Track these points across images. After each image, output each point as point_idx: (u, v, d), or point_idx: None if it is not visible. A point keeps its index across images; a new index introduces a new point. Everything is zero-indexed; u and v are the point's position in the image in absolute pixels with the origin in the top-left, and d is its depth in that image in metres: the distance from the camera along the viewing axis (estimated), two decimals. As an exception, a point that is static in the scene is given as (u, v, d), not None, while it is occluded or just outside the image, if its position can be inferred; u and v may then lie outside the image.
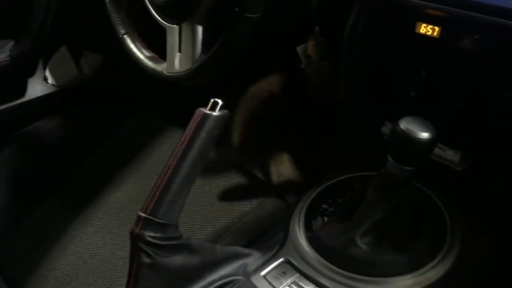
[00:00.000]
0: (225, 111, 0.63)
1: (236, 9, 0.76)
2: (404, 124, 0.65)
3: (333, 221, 0.75)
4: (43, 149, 1.17)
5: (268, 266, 0.70)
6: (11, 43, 1.15)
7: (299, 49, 0.97)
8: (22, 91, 1.21)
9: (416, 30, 0.76)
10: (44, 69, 1.30)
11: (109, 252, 0.95)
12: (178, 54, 0.89)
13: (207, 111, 0.62)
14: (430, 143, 0.65)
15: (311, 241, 0.72)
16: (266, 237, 0.79)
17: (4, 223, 1.03)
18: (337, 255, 0.69)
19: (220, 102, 0.63)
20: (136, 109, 1.26)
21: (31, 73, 1.20)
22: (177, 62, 0.89)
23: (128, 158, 1.12)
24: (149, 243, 0.59)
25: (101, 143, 1.18)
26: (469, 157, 0.78)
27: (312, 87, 1.01)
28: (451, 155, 0.79)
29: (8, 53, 1.13)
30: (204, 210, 0.96)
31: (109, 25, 1.18)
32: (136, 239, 0.59)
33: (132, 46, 0.98)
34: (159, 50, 0.98)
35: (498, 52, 0.69)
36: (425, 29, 0.76)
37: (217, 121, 0.62)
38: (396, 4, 0.76)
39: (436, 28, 0.75)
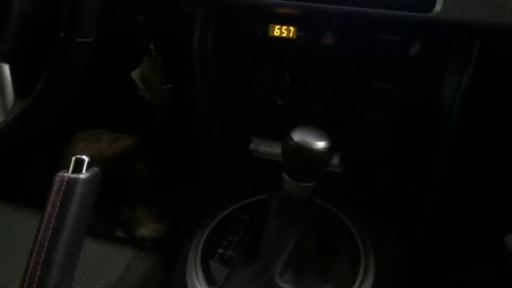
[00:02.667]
0: (96, 169, 0.46)
1: (62, 34, 0.58)
2: (298, 136, 0.57)
3: (238, 266, 0.63)
4: None
5: None
6: None
7: (134, 74, 0.82)
8: None
9: (270, 34, 0.70)
10: None
11: None
12: (-20, 105, 0.66)
13: (71, 174, 0.45)
14: (329, 152, 0.58)
15: (224, 298, 0.60)
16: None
17: None
18: (260, 306, 0.58)
19: (86, 158, 0.46)
20: None
21: None
22: (-21, 117, 0.66)
23: None
24: None
25: None
26: (348, 157, 0.75)
27: (157, 114, 0.87)
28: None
29: None
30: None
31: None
32: None
33: None
34: None
35: (360, 43, 0.67)
36: (279, 31, 0.70)
37: (89, 185, 0.45)
38: (243, 7, 0.68)
39: (292, 28, 0.70)
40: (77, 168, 0.46)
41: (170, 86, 0.83)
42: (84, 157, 0.46)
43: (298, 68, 0.72)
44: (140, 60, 0.82)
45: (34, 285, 0.41)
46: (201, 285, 0.62)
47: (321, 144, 0.57)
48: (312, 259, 0.62)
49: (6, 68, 0.65)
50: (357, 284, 0.61)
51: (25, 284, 0.41)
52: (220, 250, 0.66)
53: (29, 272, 0.41)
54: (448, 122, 0.67)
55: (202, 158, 0.79)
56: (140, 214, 0.87)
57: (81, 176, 0.45)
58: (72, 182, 0.44)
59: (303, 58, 0.71)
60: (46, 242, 0.42)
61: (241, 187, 0.77)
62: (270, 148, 0.78)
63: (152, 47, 0.80)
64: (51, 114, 0.66)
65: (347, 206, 0.71)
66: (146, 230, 0.87)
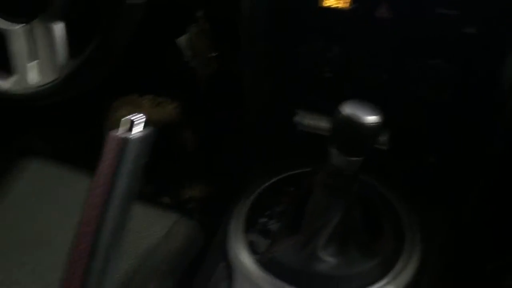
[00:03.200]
0: (149, 129, 0.46)
1: (116, -4, 0.58)
2: (349, 110, 0.56)
3: (281, 237, 0.63)
4: None
5: (223, 312, 0.56)
6: None
7: (181, 41, 0.81)
8: None
9: (321, 4, 0.68)
10: None
11: None
12: (32, 63, 0.67)
13: (124, 134, 0.44)
14: (379, 126, 0.57)
15: (265, 266, 0.60)
16: (203, 273, 0.64)
17: None
18: (301, 277, 0.58)
19: (140, 118, 0.46)
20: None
21: None
22: (32, 74, 0.67)
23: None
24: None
25: None
26: (396, 134, 0.73)
27: (201, 83, 0.87)
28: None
29: None
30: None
31: None
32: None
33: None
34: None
35: (416, 16, 0.64)
36: (332, 0, 0.68)
37: (142, 144, 0.45)
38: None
39: (346, -3, 0.67)
40: (130, 128, 0.45)
41: (216, 54, 0.83)
42: (138, 117, 0.46)
43: (350, 41, 0.70)
44: (187, 26, 0.81)
45: (89, 238, 0.41)
46: (242, 252, 0.62)
47: (372, 119, 0.55)
48: (356, 235, 0.61)
49: (59, 27, 0.65)
50: (401, 263, 0.60)
51: (80, 237, 0.41)
52: (262, 220, 0.66)
53: (82, 227, 0.42)
54: (506, 106, 0.64)
55: (245, 129, 0.78)
56: (185, 178, 0.87)
57: (135, 135, 0.45)
58: (126, 141, 0.44)
59: (356, 30, 0.69)
60: (100, 199, 0.42)
61: (284, 159, 0.76)
62: (315, 122, 0.76)
63: (200, 13, 0.79)
64: (101, 74, 0.66)
65: (392, 185, 0.70)
66: (191, 191, 0.88)
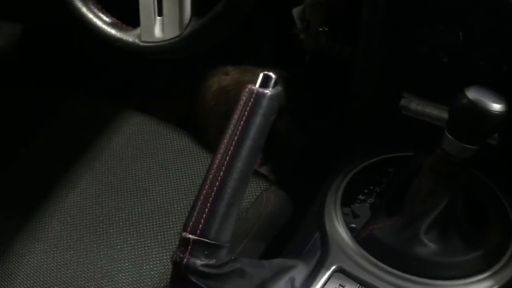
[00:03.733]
0: (280, 88, 0.47)
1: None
2: (473, 94, 0.54)
3: (381, 215, 0.63)
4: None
5: (319, 279, 0.56)
6: None
7: (296, 11, 0.82)
8: None
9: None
10: None
11: (72, 274, 0.75)
12: (159, 18, 0.70)
13: (259, 88, 0.46)
14: (503, 116, 0.55)
15: (363, 242, 0.60)
16: (297, 240, 0.65)
17: None
18: (400, 258, 0.58)
19: (273, 76, 0.47)
20: (73, 94, 1.02)
21: None
22: (157, 29, 0.70)
23: (78, 150, 0.90)
24: (202, 274, 0.42)
25: (35, 134, 0.94)
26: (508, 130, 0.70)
27: (308, 56, 0.87)
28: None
29: None
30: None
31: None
32: (186, 270, 0.41)
33: (84, 9, 0.76)
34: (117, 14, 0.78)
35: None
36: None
37: (274, 101, 0.46)
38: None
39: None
40: (264, 84, 0.47)
41: (326, 28, 0.82)
42: (271, 74, 0.47)
43: (474, 26, 0.67)
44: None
45: (217, 183, 0.43)
46: (338, 225, 0.62)
47: (499, 107, 0.54)
48: (460, 224, 0.60)
49: (186, -14, 0.67)
50: (506, 257, 0.58)
51: (208, 180, 0.43)
52: (361, 197, 0.66)
53: (213, 171, 0.44)
54: None
55: (349, 107, 0.78)
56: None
57: (268, 91, 0.46)
58: (260, 95, 0.45)
59: (481, 15, 0.66)
60: (232, 147, 0.44)
61: (384, 141, 0.76)
62: (422, 107, 0.75)
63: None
64: (220, 37, 0.68)
65: (499, 181, 0.67)
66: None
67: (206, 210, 0.43)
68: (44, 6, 1.04)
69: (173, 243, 0.77)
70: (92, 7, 0.76)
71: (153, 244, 0.77)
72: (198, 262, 0.42)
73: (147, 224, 0.79)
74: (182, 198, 0.81)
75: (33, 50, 1.12)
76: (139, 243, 0.77)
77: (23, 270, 0.76)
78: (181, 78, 1.15)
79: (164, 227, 0.78)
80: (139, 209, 0.81)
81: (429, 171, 0.60)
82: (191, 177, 0.84)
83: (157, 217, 0.79)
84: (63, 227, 0.80)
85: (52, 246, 0.78)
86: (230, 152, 0.44)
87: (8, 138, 0.94)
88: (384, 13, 0.69)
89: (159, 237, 0.77)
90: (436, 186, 0.59)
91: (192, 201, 0.77)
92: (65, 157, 0.89)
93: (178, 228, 0.78)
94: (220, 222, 0.43)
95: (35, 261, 0.77)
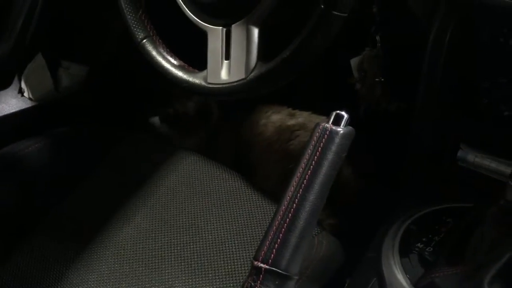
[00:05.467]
0: (351, 128, 0.49)
1: (322, 6, 0.62)
2: None
3: (441, 264, 0.62)
4: (23, 176, 0.94)
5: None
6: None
7: (354, 61, 0.84)
8: (-7, 105, 0.99)
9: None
10: (20, 80, 1.08)
11: (123, 306, 0.76)
12: (226, 61, 0.73)
13: (332, 125, 0.47)
14: None
15: (424, 291, 0.59)
16: (353, 286, 0.64)
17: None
18: (463, 308, 0.56)
19: (345, 114, 0.48)
20: (131, 133, 1.06)
21: (7, 83, 0.98)
22: (224, 71, 0.74)
23: (135, 186, 0.93)
24: (271, 305, 0.42)
25: (96, 170, 0.98)
26: None
27: (362, 106, 0.89)
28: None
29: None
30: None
31: (99, 29, 0.99)
32: (256, 301, 0.42)
33: (154, 53, 0.81)
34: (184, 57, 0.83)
35: None
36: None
37: (346, 139, 0.48)
38: (497, 9, 0.66)
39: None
40: (336, 122, 0.48)
41: (382, 79, 0.85)
42: (343, 113, 0.49)
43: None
44: (360, 49, 0.84)
45: (290, 215, 0.44)
46: (398, 271, 0.62)
47: None
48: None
49: (255, 31, 0.71)
50: None
51: (282, 211, 0.44)
52: (419, 245, 0.65)
53: (286, 202, 0.45)
54: None
55: (406, 159, 0.78)
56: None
57: (341, 129, 0.47)
58: (334, 133, 0.47)
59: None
60: (305, 180, 0.45)
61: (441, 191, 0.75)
62: (480, 160, 0.75)
63: (378, 38, 0.81)
64: (284, 82, 0.71)
65: None
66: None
67: (279, 240, 0.44)
68: (110, 49, 1.10)
69: (223, 282, 0.77)
70: (162, 50, 0.81)
71: (203, 282, 0.77)
72: (269, 292, 0.43)
73: (198, 262, 0.80)
74: (233, 238, 0.82)
75: (96, 91, 1.18)
76: (189, 280, 0.77)
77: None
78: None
79: (215, 265, 0.79)
80: (191, 246, 0.82)
81: (493, 221, 0.60)
82: (243, 217, 0.85)
83: (208, 255, 0.80)
84: (116, 260, 0.82)
85: (105, 277, 0.79)
86: (303, 185, 0.45)
87: (68, 171, 0.98)
88: (446, 63, 0.71)
89: (210, 275, 0.78)
90: (500, 237, 0.59)
91: (243, 241, 0.81)
92: (122, 192, 0.92)
93: (228, 267, 0.79)
94: (291, 253, 0.44)
95: (88, 292, 0.78)
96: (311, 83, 1.06)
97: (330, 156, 0.46)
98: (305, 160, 0.46)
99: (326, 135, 0.47)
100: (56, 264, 0.82)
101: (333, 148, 0.46)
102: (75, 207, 0.92)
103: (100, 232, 0.86)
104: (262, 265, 0.43)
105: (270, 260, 0.43)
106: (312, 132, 0.48)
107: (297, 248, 0.44)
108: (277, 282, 0.43)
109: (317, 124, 0.48)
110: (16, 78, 1.08)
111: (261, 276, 0.42)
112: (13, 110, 1.03)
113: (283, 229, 0.44)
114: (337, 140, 0.47)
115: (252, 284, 0.43)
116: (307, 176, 0.45)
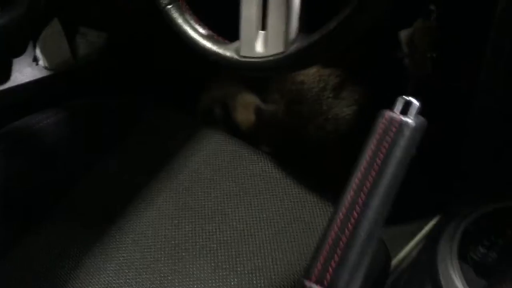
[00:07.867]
0: (423, 119, 0.40)
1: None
2: None
3: (505, 273, 0.54)
4: (38, 152, 0.88)
5: None
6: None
7: (403, 34, 0.75)
8: (6, 74, 0.91)
9: None
10: (34, 47, 1.00)
11: (145, 298, 0.69)
12: (261, 32, 0.65)
13: (403, 116, 0.39)
14: None
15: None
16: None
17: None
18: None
19: (416, 102, 0.40)
20: (154, 105, 0.99)
21: (21, 50, 0.90)
22: (259, 43, 0.65)
23: (156, 167, 0.86)
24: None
25: (115, 147, 0.91)
26: None
27: (411, 83, 0.79)
28: None
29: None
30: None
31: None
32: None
33: (180, 20, 0.72)
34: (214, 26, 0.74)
35: None
36: None
37: (418, 132, 0.39)
38: None
39: None
40: (404, 111, 0.40)
41: (434, 55, 0.75)
42: (414, 100, 0.40)
43: None
44: (412, 19, 0.74)
45: (350, 226, 0.36)
46: (458, 279, 0.54)
47: None
48: None
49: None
50: None
51: (339, 221, 0.36)
52: (481, 249, 0.57)
53: (344, 210, 0.37)
54: None
55: (462, 152, 0.69)
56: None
57: (412, 120, 0.39)
58: (404, 125, 0.38)
59: None
60: (369, 184, 0.37)
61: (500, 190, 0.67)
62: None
63: (433, 7, 0.71)
64: (327, 57, 0.62)
65: None
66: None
67: (336, 257, 0.36)
68: (131, 17, 1.02)
69: (253, 277, 0.70)
70: (189, 18, 0.72)
71: (231, 276, 0.70)
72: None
73: (226, 253, 0.73)
74: (263, 228, 0.75)
75: (116, 60, 1.10)
76: (216, 273, 0.71)
77: (92, 290, 0.71)
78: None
79: (244, 258, 0.72)
80: (218, 236, 0.75)
81: None
82: (275, 204, 0.77)
83: (236, 246, 0.73)
84: (136, 248, 0.75)
85: (124, 267, 0.73)
86: (366, 189, 0.37)
87: (86, 148, 0.91)
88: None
89: (238, 269, 0.71)
90: None
91: (275, 231, 0.73)
92: (143, 172, 0.85)
93: (258, 261, 0.72)
94: (351, 272, 0.36)
95: (106, 282, 0.72)
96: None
97: (398, 153, 0.38)
98: (367, 157, 0.38)
99: (394, 128, 0.38)
100: (72, 250, 0.76)
101: (403, 143, 0.38)
102: (92, 189, 0.85)
103: (118, 217, 0.79)
104: (316, 286, 0.35)
105: (325, 281, 0.35)
106: (374, 122, 0.39)
107: (357, 266, 0.36)
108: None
109: (381, 113, 0.39)
110: (30, 45, 1.01)
111: (313, 301, 0.35)
112: (28, 80, 0.95)
113: (341, 243, 0.36)
114: (407, 133, 0.38)
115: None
116: (371, 178, 0.37)
